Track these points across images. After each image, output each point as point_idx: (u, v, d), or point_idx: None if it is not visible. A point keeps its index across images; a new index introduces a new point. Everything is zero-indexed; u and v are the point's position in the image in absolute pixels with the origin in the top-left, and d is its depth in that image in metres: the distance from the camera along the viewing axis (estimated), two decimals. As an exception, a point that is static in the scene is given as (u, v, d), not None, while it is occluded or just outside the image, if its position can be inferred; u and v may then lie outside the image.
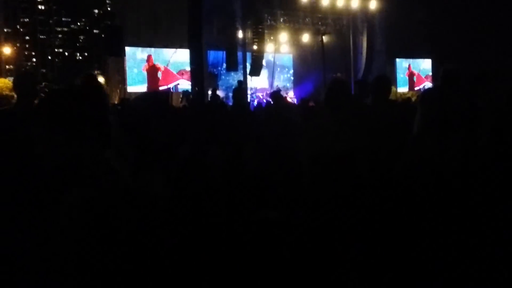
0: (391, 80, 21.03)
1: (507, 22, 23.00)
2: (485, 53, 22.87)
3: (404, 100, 12.40)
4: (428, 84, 26.69)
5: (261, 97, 23.28)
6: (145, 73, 20.58)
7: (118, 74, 21.13)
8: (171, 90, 20.45)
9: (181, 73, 20.88)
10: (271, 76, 25.78)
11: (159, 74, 20.59)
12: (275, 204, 3.47)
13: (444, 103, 3.32)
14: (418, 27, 23.55)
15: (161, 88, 20.59)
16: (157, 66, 20.69)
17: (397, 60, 26.49)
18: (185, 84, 20.66)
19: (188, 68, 19.97)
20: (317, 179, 3.71)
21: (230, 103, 19.30)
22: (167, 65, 20.67)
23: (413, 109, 4.14)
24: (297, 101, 20.79)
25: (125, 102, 9.86)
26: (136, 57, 20.47)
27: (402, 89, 26.26)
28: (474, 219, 2.67)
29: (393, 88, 24.36)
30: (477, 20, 23.68)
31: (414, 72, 27.61)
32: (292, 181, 4.00)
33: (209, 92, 18.28)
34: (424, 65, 27.90)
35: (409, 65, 27.41)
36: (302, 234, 3.01)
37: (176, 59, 20.89)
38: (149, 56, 20.47)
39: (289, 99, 22.81)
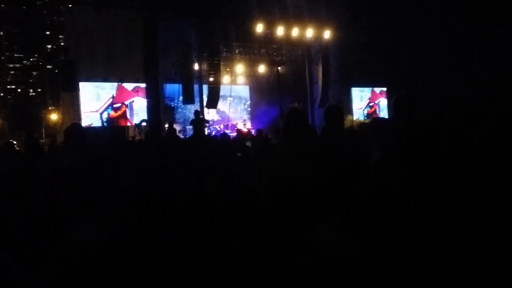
0: (346, 108, 21.25)
1: (459, 50, 23.71)
2: (439, 80, 23.50)
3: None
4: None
5: (219, 129, 23.30)
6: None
7: (73, 110, 20.84)
8: (127, 125, 20.42)
9: (136, 90, 20.84)
10: (228, 108, 25.84)
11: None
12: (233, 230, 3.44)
13: (398, 132, 3.37)
14: (371, 56, 24.02)
15: (115, 105, 20.54)
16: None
17: (353, 89, 26.86)
18: (140, 101, 20.68)
19: (143, 85, 19.94)
20: (278, 207, 3.72)
21: (188, 136, 19.33)
22: (121, 82, 20.64)
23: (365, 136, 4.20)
24: (255, 132, 20.86)
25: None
26: (90, 93, 20.33)
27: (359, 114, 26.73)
28: (440, 245, 2.68)
29: (349, 117, 24.74)
30: (431, 48, 24.33)
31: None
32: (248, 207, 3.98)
33: (166, 126, 18.24)
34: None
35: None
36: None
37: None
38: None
39: (245, 131, 22.95)
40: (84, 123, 19.51)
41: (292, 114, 4.82)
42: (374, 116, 26.64)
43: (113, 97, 20.60)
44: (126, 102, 20.85)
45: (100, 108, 20.45)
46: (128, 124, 20.74)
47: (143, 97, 20.19)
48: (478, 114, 4.35)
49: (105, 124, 20.26)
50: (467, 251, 2.53)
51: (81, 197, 3.02)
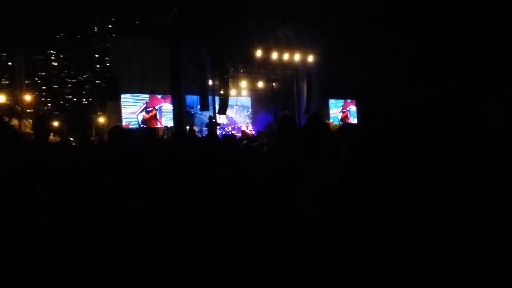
0: (325, 115, 21.28)
1: (411, 68, 23.77)
2: (395, 93, 23.58)
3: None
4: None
5: (227, 130, 23.35)
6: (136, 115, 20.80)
7: (116, 115, 21.01)
8: (157, 125, 20.61)
9: (164, 98, 21.27)
10: (235, 114, 25.95)
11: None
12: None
13: (361, 135, 3.42)
14: (344, 75, 24.10)
15: (148, 109, 21.05)
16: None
17: (330, 100, 26.95)
18: (167, 106, 21.18)
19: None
20: (274, 190, 3.75)
21: (204, 134, 19.37)
22: (152, 92, 21.04)
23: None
24: (255, 133, 20.93)
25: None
26: (129, 101, 20.64)
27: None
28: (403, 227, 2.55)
29: (328, 122, 24.77)
30: (389, 68, 24.43)
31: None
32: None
33: (187, 128, 18.28)
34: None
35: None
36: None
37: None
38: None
39: (248, 131, 23.03)
40: (124, 123, 19.83)
41: (284, 120, 4.88)
42: (346, 120, 26.75)
43: (146, 102, 20.99)
44: (156, 107, 21.29)
45: (136, 111, 20.81)
46: (158, 124, 20.99)
47: (169, 103, 20.49)
48: (423, 120, 4.39)
49: (140, 124, 20.55)
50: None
51: (121, 182, 3.05)
